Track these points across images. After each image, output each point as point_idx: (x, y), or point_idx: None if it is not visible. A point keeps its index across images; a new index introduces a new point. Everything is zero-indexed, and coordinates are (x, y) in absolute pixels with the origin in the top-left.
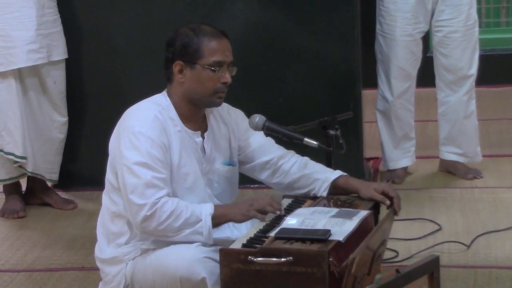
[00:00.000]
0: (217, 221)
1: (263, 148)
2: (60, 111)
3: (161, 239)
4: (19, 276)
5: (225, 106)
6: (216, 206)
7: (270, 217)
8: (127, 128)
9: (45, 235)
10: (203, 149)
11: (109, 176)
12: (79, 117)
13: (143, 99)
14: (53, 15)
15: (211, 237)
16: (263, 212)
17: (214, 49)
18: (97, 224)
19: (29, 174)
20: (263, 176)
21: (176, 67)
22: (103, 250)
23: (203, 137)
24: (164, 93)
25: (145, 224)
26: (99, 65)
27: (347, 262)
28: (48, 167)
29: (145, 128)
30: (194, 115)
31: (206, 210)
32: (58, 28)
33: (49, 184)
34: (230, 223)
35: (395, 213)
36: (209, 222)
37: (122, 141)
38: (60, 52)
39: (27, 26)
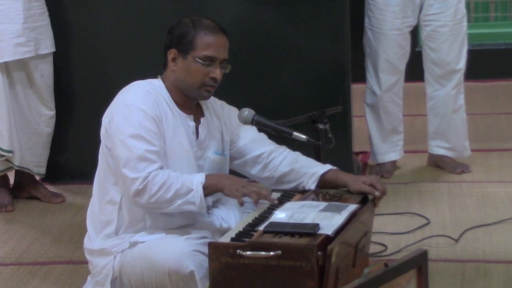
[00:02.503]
0: (209, 190)
1: (255, 142)
2: (47, 105)
3: (155, 211)
4: (7, 270)
5: (218, 102)
6: (207, 176)
7: (260, 207)
8: (119, 103)
9: (33, 229)
10: (195, 134)
11: (101, 159)
12: (67, 111)
13: None
14: (40, 8)
15: (204, 206)
16: (257, 195)
17: (208, 43)
18: (87, 214)
19: (16, 168)
20: (254, 170)
21: (170, 54)
22: (92, 240)
23: (197, 122)
24: (159, 78)
25: (137, 197)
26: (87, 58)
27: (326, 253)
28: (35, 160)
29: (138, 102)
30: (186, 102)
31: (197, 180)
32: (46, 21)
33: (37, 177)
34: (219, 216)
35: (375, 205)
36: (200, 191)
37: (115, 115)
38: (47, 46)
39: (14, 20)
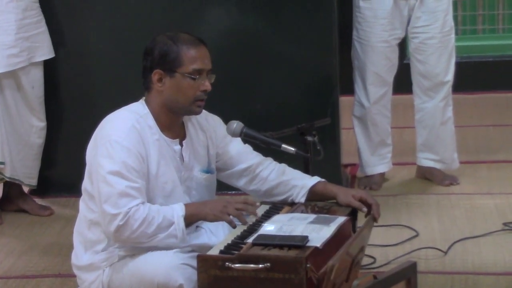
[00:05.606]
0: (189, 220)
1: (241, 155)
2: (38, 116)
3: (136, 246)
4: None
5: (203, 113)
6: (186, 206)
7: (240, 228)
8: (104, 137)
9: (21, 242)
10: (182, 157)
11: (86, 184)
12: (56, 122)
13: (121, 105)
14: (35, 16)
15: (185, 238)
16: (237, 216)
17: (193, 57)
18: (73, 231)
19: (7, 179)
20: (240, 183)
21: (155, 75)
22: (79, 257)
23: (181, 145)
24: (142, 101)
25: (118, 233)
26: (77, 70)
27: (327, 269)
28: (26, 172)
29: (122, 138)
30: (172, 123)
31: (178, 212)
32: (42, 28)
33: (26, 190)
34: (208, 230)
35: (375, 220)
36: (182, 224)
37: (99, 149)
38: (44, 53)
39: (6, 31)
